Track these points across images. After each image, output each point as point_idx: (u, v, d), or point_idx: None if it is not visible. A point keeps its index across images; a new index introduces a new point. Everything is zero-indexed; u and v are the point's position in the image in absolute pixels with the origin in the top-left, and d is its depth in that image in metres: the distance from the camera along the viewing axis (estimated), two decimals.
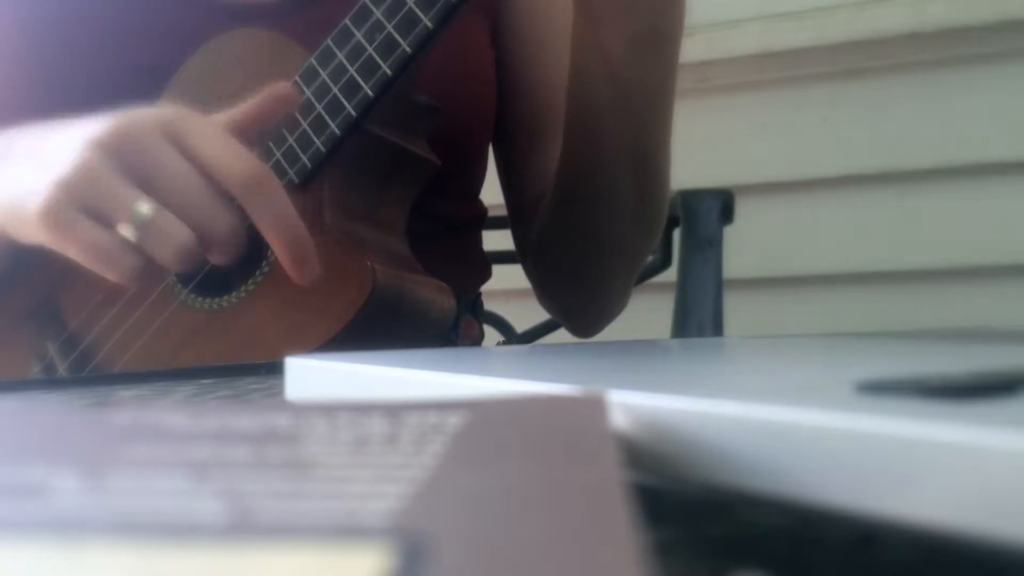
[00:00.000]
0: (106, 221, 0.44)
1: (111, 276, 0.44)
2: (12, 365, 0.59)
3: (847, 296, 1.11)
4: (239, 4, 0.60)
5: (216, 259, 0.46)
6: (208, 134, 0.45)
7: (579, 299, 0.70)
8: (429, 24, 0.49)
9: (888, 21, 1.05)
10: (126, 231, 0.43)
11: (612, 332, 0.74)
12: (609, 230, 0.63)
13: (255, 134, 0.49)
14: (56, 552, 0.09)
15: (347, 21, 0.51)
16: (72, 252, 0.45)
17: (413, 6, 0.49)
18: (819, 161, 1.11)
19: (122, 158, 0.44)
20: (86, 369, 0.56)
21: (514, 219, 0.73)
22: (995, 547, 0.12)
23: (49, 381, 0.51)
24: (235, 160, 0.44)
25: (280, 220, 0.45)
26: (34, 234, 0.45)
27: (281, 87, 0.49)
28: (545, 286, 0.72)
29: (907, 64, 1.07)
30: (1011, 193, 1.05)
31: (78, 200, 0.44)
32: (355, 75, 0.51)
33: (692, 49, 1.09)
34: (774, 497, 0.14)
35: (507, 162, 0.73)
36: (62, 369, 0.56)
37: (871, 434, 0.13)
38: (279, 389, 0.30)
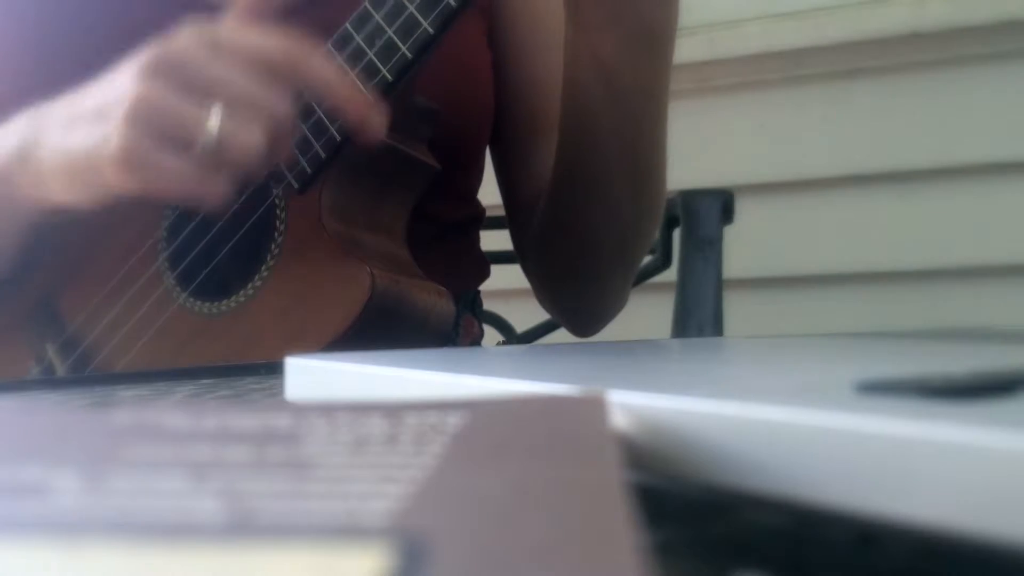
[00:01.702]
0: (180, 145, 0.44)
1: (205, 201, 0.45)
2: (12, 366, 0.59)
3: (847, 296, 1.11)
4: None
5: (280, 156, 0.47)
6: (238, 29, 0.46)
7: (578, 298, 0.70)
8: (430, 29, 0.49)
9: (888, 21, 1.05)
10: (202, 149, 0.44)
11: (612, 332, 0.74)
12: (606, 229, 0.63)
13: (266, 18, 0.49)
14: (56, 552, 0.09)
15: (348, 25, 0.51)
16: (160, 188, 0.45)
17: (414, 11, 0.49)
18: (819, 161, 1.11)
19: (173, 78, 0.44)
20: (84, 372, 0.56)
21: (512, 219, 0.73)
22: (995, 547, 0.12)
23: (49, 381, 0.51)
24: (273, 42, 0.46)
25: (334, 79, 0.47)
26: (115, 181, 0.45)
27: None
28: (544, 286, 0.72)
29: (907, 64, 1.07)
30: (1011, 193, 1.05)
31: (151, 132, 0.44)
32: (355, 79, 0.51)
33: (692, 49, 1.09)
34: (774, 497, 0.14)
35: (504, 162, 0.72)
36: (61, 371, 0.56)
37: (871, 434, 0.13)
38: (279, 389, 0.30)
